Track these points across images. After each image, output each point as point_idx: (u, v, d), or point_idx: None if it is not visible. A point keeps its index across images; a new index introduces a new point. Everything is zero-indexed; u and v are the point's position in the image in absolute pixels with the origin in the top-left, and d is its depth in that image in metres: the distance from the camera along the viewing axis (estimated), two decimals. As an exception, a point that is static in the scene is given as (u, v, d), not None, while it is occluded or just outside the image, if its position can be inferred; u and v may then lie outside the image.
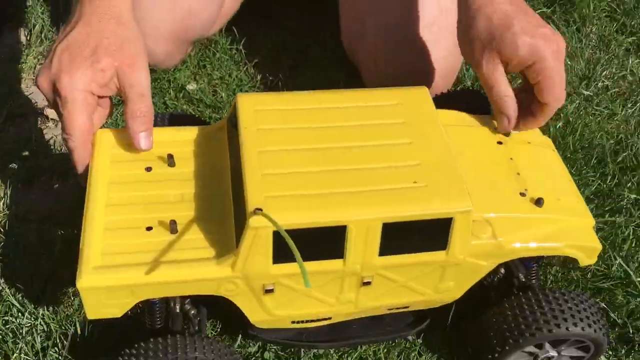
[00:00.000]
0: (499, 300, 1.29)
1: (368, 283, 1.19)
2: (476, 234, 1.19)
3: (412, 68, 1.71)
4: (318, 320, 1.26)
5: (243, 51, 2.09)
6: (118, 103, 1.91)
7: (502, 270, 1.34)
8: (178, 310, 1.23)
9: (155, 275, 1.10)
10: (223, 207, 1.21)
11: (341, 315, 1.26)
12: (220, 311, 1.32)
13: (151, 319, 1.23)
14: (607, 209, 1.67)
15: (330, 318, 1.26)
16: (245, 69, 2.04)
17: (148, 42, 1.82)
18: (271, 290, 1.16)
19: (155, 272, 1.10)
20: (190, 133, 1.33)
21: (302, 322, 1.26)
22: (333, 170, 1.15)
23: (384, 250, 1.14)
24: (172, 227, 1.16)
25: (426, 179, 1.14)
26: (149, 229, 1.16)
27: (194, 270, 1.12)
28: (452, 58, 1.74)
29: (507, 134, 1.40)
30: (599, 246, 1.26)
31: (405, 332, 1.34)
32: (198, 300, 1.26)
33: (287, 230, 1.05)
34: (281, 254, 1.10)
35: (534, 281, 1.35)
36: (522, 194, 1.27)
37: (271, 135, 1.20)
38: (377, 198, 1.11)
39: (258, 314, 1.20)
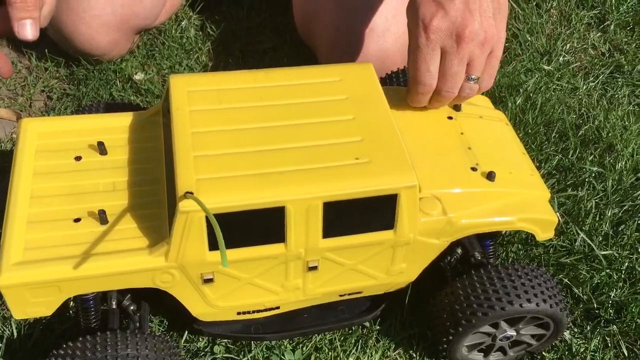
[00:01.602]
0: (453, 279, 1.24)
1: (314, 268, 1.14)
2: (425, 210, 1.15)
3: (373, 48, 1.66)
4: (266, 310, 1.21)
5: (194, 39, 2.02)
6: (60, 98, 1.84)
7: (459, 250, 1.30)
8: (114, 307, 1.18)
9: (83, 269, 1.04)
10: (158, 194, 1.15)
11: (290, 304, 1.22)
12: (166, 306, 1.27)
13: (86, 317, 1.17)
14: (569, 183, 1.64)
15: (278, 307, 1.22)
16: (196, 57, 1.98)
17: (90, 31, 1.77)
18: (210, 280, 1.10)
19: (83, 266, 1.04)
20: (123, 119, 1.27)
21: (249, 312, 1.21)
22: (270, 149, 1.10)
23: (328, 232, 1.09)
24: (102, 217, 1.10)
25: (369, 155, 1.09)
26: (76, 220, 1.10)
27: (125, 261, 1.06)
28: None
29: (457, 109, 1.34)
30: (554, 219, 1.21)
31: (361, 318, 1.30)
32: (140, 296, 1.21)
33: (221, 214, 1.00)
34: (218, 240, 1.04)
35: (491, 260, 1.30)
36: (473, 169, 1.23)
37: (205, 116, 1.14)
38: (316, 176, 1.06)
39: (199, 306, 1.15)
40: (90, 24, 1.72)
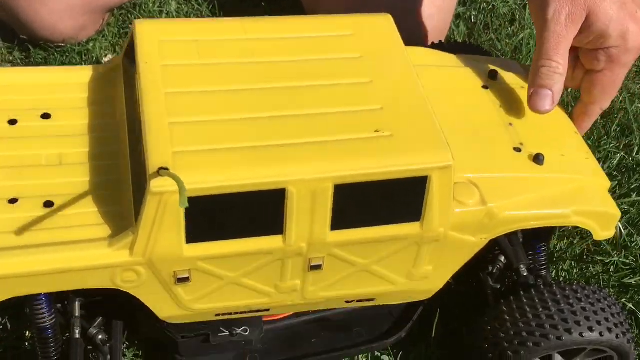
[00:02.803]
0: (498, 300, 1.16)
1: (317, 267, 1.06)
2: (460, 199, 1.06)
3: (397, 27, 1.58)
4: (251, 312, 1.12)
5: (175, 14, 1.91)
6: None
7: (502, 259, 1.22)
8: (78, 336, 1.08)
9: (20, 264, 0.94)
10: (118, 170, 1.06)
11: (283, 308, 1.14)
12: (143, 334, 1.20)
13: (44, 350, 1.08)
14: (633, 186, 1.56)
15: (268, 310, 1.13)
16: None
17: (53, 17, 1.66)
18: (186, 280, 1.01)
19: (20, 260, 0.94)
20: (72, 75, 1.17)
21: (230, 314, 1.12)
22: (266, 117, 1.01)
23: (338, 223, 1.01)
24: (46, 199, 1.00)
25: (391, 127, 1.00)
26: (12, 201, 1.01)
27: (77, 254, 0.96)
28: (441, 15, 1.67)
29: (493, 77, 1.24)
30: (616, 212, 1.15)
31: (382, 342, 1.21)
32: (110, 321, 1.13)
33: (204, 198, 0.92)
34: (197, 229, 0.96)
35: (543, 272, 1.22)
36: (517, 149, 1.15)
37: (181, 73, 1.05)
38: (325, 151, 0.97)
39: (169, 309, 1.06)
40: (53, 8, 1.65)
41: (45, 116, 1.10)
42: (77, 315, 1.09)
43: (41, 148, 1.06)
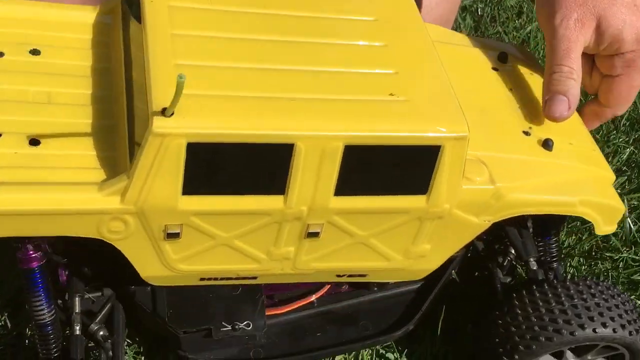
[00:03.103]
0: (508, 294, 1.15)
1: (315, 234, 1.03)
2: (468, 175, 1.05)
3: None
4: (237, 278, 1.10)
5: None
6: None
7: (513, 251, 1.22)
8: (78, 333, 1.07)
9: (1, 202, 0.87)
10: (112, 116, 1.02)
11: (271, 277, 1.11)
12: (144, 328, 1.18)
13: (44, 347, 1.06)
14: None
15: (255, 278, 1.11)
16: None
17: None
18: (176, 235, 0.98)
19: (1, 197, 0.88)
20: (68, 13, 1.13)
21: (215, 279, 1.09)
22: (278, 69, 0.98)
23: (343, 188, 0.98)
24: (32, 136, 0.96)
25: (406, 92, 0.99)
26: None
27: (63, 197, 0.92)
28: (447, 4, 1.66)
29: (504, 59, 1.24)
30: (621, 207, 1.15)
31: (389, 335, 1.20)
32: (111, 317, 1.11)
33: (206, 144, 0.89)
34: (196, 180, 0.93)
35: (554, 264, 1.22)
36: (526, 133, 1.15)
37: (190, 16, 1.02)
38: (339, 109, 0.95)
39: (152, 267, 1.03)
40: None
41: (35, 52, 1.06)
42: (77, 311, 1.08)
43: (27, 84, 1.02)
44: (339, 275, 1.13)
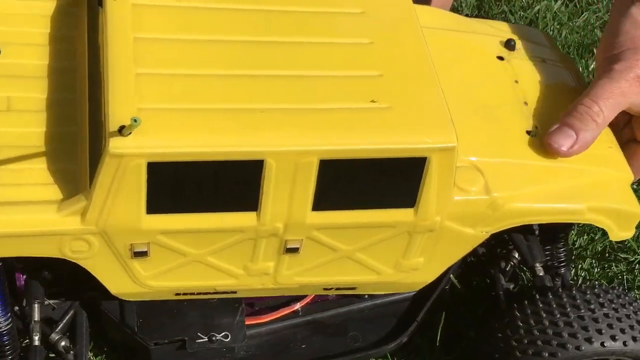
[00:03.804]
0: (510, 302, 1.15)
1: (294, 250, 1.04)
2: (461, 185, 1.04)
3: None
4: (216, 293, 1.11)
5: None
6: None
7: (517, 255, 1.21)
8: (37, 343, 1.07)
9: None
10: (74, 122, 1.03)
11: (252, 291, 1.12)
12: (111, 338, 1.18)
13: (0, 358, 1.07)
14: None
15: (235, 292, 1.12)
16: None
17: None
18: (143, 254, 1.00)
19: None
20: (29, 5, 1.12)
21: (192, 294, 1.11)
22: (248, 75, 0.98)
23: (321, 203, 0.99)
24: None
25: (389, 98, 0.98)
26: None
27: (21, 218, 0.94)
28: None
29: (511, 46, 1.22)
30: (638, 210, 1.14)
31: (380, 348, 1.19)
32: (75, 325, 1.11)
33: (171, 164, 0.90)
34: (160, 199, 0.94)
35: (562, 270, 1.21)
36: (531, 133, 1.13)
37: (155, 16, 1.02)
38: (313, 121, 0.95)
39: (122, 284, 1.05)
40: None
41: (-6, 53, 1.07)
42: (36, 319, 1.08)
43: (-16, 90, 1.03)
44: (326, 289, 1.14)
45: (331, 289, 1.14)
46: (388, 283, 1.13)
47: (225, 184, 0.94)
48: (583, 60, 1.70)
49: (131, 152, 0.88)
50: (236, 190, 0.95)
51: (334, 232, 1.02)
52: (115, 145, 0.88)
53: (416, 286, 1.16)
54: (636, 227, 1.16)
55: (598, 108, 1.11)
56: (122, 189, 0.91)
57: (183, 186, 0.93)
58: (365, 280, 1.12)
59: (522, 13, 1.84)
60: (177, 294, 1.10)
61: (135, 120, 0.83)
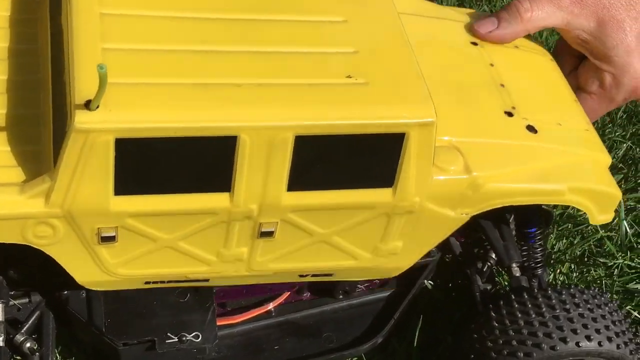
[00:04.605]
0: (486, 303, 1.14)
1: (269, 234, 1.02)
2: (440, 165, 1.03)
3: None
4: (187, 281, 1.08)
5: None
6: None
7: (493, 255, 1.21)
8: (2, 344, 1.05)
9: None
10: (37, 104, 1.00)
11: (225, 279, 1.09)
12: (80, 339, 1.16)
13: None
14: None
15: (207, 280, 1.09)
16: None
17: None
18: (111, 239, 0.97)
19: None
20: None
21: (163, 282, 1.08)
22: (220, 51, 0.95)
23: (296, 183, 0.96)
24: None
25: (366, 74, 0.96)
26: None
27: None
28: None
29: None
30: (617, 193, 1.13)
31: (354, 349, 1.18)
32: (40, 326, 1.09)
33: (138, 140, 0.87)
34: (129, 179, 0.91)
35: (539, 271, 1.21)
36: (509, 114, 1.13)
37: None
38: (288, 96, 0.93)
39: (89, 273, 1.01)
40: None
41: (-48, 35, 1.04)
42: (0, 319, 1.05)
43: (-58, 70, 1.00)
44: (302, 275, 1.11)
45: (307, 275, 1.12)
46: (366, 269, 1.11)
47: (197, 163, 0.91)
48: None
49: (98, 128, 0.85)
50: (208, 170, 0.93)
51: (310, 215, 1.00)
52: (81, 119, 0.85)
53: (394, 271, 1.13)
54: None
55: (528, 5, 1.17)
56: (88, 168, 0.88)
57: (153, 165, 0.90)
58: (342, 266, 1.09)
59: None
60: (147, 283, 1.06)
61: (101, 68, 0.79)
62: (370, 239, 1.06)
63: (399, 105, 0.94)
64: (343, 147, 0.94)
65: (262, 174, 0.93)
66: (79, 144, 0.86)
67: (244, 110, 0.89)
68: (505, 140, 1.08)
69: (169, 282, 1.08)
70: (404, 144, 0.95)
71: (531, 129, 1.11)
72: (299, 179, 0.96)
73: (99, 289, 1.06)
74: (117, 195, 0.91)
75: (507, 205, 1.09)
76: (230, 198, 0.95)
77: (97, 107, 0.85)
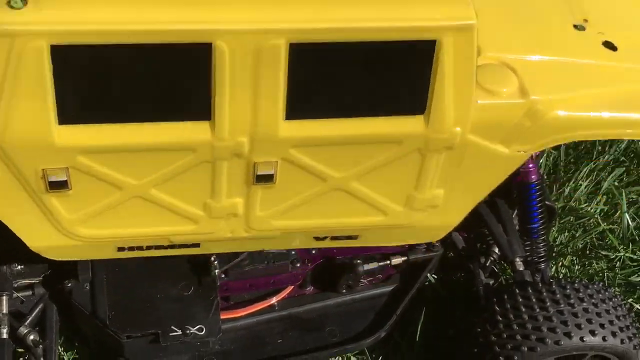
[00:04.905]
0: (490, 298, 1.13)
1: (267, 178, 0.85)
2: (488, 87, 0.86)
3: None
4: (172, 247, 0.96)
5: None
6: None
7: (497, 250, 1.18)
8: (5, 337, 1.04)
9: None
10: None
11: (220, 243, 0.96)
12: (83, 333, 1.14)
13: None
14: None
15: (198, 246, 0.97)
16: None
17: None
18: (62, 184, 0.81)
19: None
20: None
21: (140, 249, 0.96)
22: None
23: (297, 108, 0.80)
24: None
25: None
26: None
27: None
28: None
29: None
30: None
31: (358, 342, 1.16)
32: (45, 319, 1.08)
33: (83, 47, 0.72)
34: (75, 102, 0.75)
35: (542, 265, 1.19)
36: (579, 27, 0.98)
37: None
38: None
39: (43, 233, 0.88)
40: None
41: None
42: (4, 312, 1.05)
43: None
44: (317, 238, 0.97)
45: (325, 238, 0.97)
46: (399, 228, 0.95)
47: (163, 80, 0.75)
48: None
49: (26, 30, 0.70)
50: (179, 90, 0.76)
51: (319, 151, 0.84)
52: (5, 19, 0.69)
53: (436, 232, 0.99)
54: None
55: None
56: (19, 87, 0.73)
57: (105, 84, 0.74)
58: (368, 223, 0.94)
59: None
60: (120, 250, 0.94)
61: None
62: (402, 186, 0.91)
63: (427, 4, 0.77)
64: (356, 60, 0.78)
65: (249, 95, 0.78)
66: (4, 51, 0.71)
67: (220, 8, 0.73)
68: (573, 59, 0.93)
69: (148, 248, 0.95)
70: (435, 54, 0.79)
71: (609, 45, 0.96)
72: (300, 104, 0.80)
73: (59, 258, 0.95)
74: (62, 125, 0.77)
75: (579, 140, 0.91)
76: (210, 128, 0.79)
77: (25, 3, 0.70)
